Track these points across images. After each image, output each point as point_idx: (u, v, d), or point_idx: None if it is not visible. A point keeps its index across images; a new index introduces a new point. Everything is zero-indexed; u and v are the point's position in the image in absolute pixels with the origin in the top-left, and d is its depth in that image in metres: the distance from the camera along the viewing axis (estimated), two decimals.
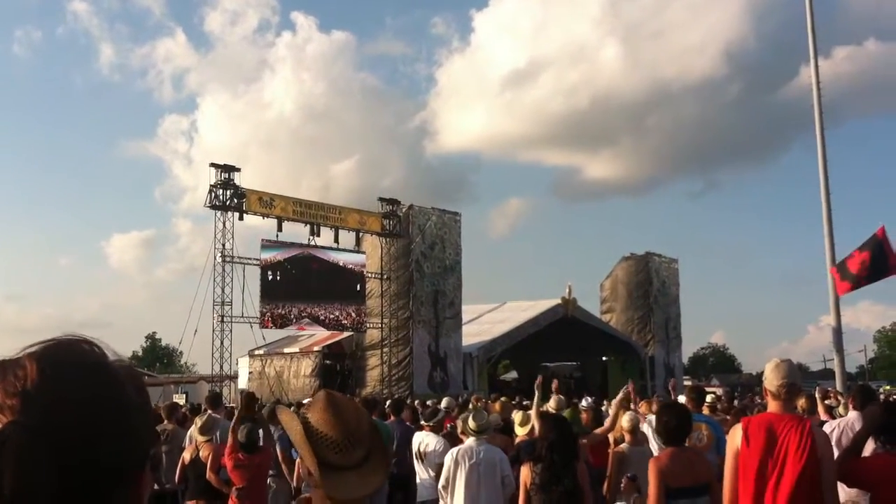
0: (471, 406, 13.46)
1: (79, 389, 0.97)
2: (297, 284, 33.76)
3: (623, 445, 8.12)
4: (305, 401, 22.86)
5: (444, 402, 13.44)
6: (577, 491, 6.05)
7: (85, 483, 0.95)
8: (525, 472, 6.25)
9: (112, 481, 0.98)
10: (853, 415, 7.25)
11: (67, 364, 0.99)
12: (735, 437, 4.64)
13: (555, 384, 9.67)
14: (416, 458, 8.96)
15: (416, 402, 17.90)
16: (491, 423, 7.75)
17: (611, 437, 8.97)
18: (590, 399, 10.99)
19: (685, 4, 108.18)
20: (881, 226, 12.87)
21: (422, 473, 8.85)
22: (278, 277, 33.34)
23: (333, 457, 2.09)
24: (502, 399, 15.94)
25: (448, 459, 7.13)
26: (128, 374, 1.05)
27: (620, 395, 9.27)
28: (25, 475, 0.89)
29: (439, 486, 7.23)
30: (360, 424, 2.15)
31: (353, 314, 36.16)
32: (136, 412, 1.03)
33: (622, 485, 7.40)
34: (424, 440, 8.90)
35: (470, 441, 7.15)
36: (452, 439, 8.74)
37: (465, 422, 7.49)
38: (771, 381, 4.63)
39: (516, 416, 9.48)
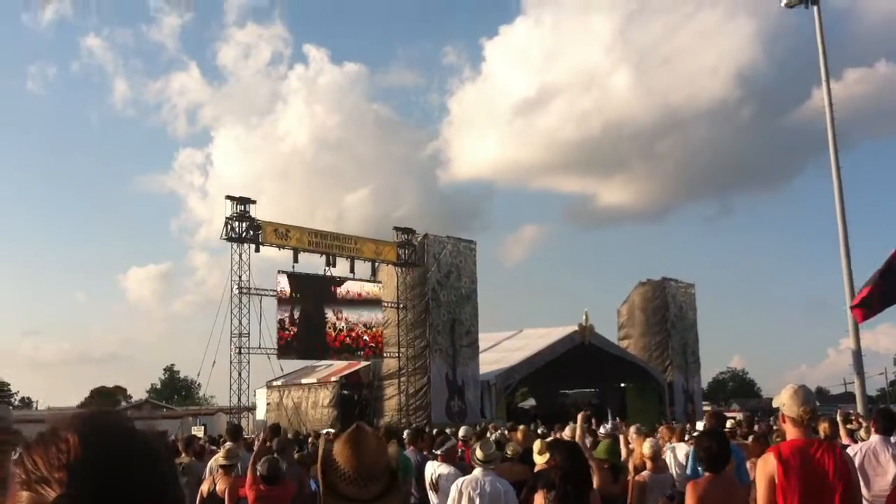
0: (488, 435, 13.41)
1: (119, 462, 1.01)
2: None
3: (644, 473, 8.06)
4: (324, 431, 22.74)
5: (461, 431, 13.38)
6: None
7: None
8: (539, 500, 6.23)
9: None
10: (875, 438, 7.19)
11: (107, 436, 1.04)
12: (768, 466, 4.58)
13: (581, 415, 9.53)
14: (430, 487, 8.92)
15: (435, 430, 17.84)
16: (498, 453, 7.69)
17: (631, 464, 8.91)
18: (608, 426, 10.92)
19: (695, 30, 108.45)
20: (894, 250, 12.82)
21: (435, 503, 8.81)
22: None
23: (345, 487, 2.18)
24: (521, 427, 15.85)
25: (453, 490, 7.08)
26: (159, 440, 1.11)
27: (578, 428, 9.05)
28: None
29: None
30: (377, 463, 2.23)
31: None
32: (169, 480, 1.08)
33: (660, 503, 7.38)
34: (437, 469, 8.87)
35: (476, 471, 7.09)
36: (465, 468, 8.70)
37: (473, 452, 7.46)
38: (791, 407, 4.61)
39: (535, 444, 9.43)
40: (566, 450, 6.47)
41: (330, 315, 34.77)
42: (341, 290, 35.32)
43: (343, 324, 35.19)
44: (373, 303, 36.69)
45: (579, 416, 9.05)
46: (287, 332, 33.10)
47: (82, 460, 0.99)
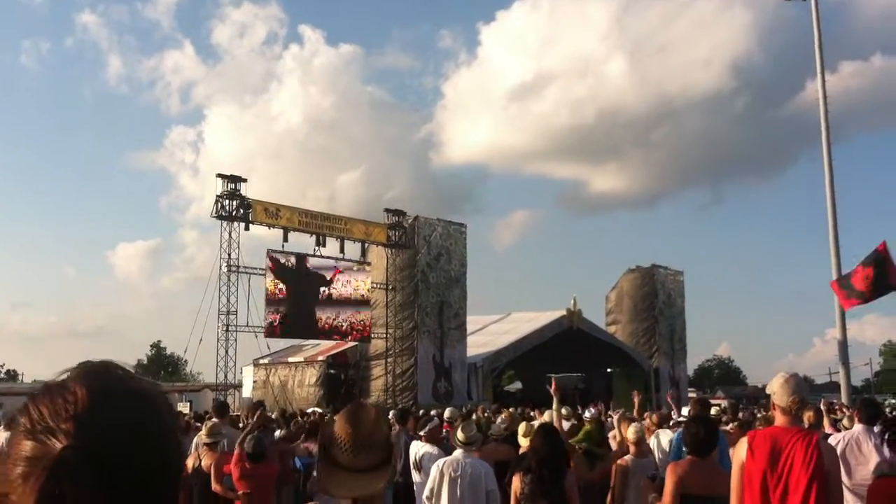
0: (473, 417, 13.42)
1: (126, 415, 1.00)
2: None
3: (627, 457, 8.10)
4: (309, 410, 22.90)
5: (447, 413, 13.42)
6: None
7: None
8: (516, 483, 6.27)
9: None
10: (858, 427, 7.22)
11: (113, 390, 1.02)
12: (740, 451, 4.66)
13: (553, 387, 9.23)
14: (413, 467, 8.95)
15: (421, 411, 17.87)
16: (479, 435, 7.69)
17: (614, 448, 8.95)
18: (593, 410, 10.94)
19: (691, 19, 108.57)
20: (882, 241, 12.86)
21: (419, 483, 8.84)
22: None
23: (342, 456, 2.34)
24: (509, 409, 15.93)
25: (434, 470, 7.09)
26: (162, 398, 1.08)
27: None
28: (84, 500, 0.91)
29: (423, 496, 7.19)
30: (372, 434, 2.38)
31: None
32: (173, 437, 1.06)
33: (642, 484, 7.41)
34: (421, 449, 8.89)
35: (457, 453, 7.10)
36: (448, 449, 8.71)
37: (454, 433, 7.47)
38: (781, 396, 4.63)
39: (520, 427, 9.46)
40: (544, 434, 6.51)
41: (320, 310, 34.72)
42: (332, 282, 35.26)
43: (332, 312, 35.16)
44: (363, 303, 36.59)
45: (553, 384, 8.96)
46: (277, 314, 33.06)
47: (90, 412, 0.97)
